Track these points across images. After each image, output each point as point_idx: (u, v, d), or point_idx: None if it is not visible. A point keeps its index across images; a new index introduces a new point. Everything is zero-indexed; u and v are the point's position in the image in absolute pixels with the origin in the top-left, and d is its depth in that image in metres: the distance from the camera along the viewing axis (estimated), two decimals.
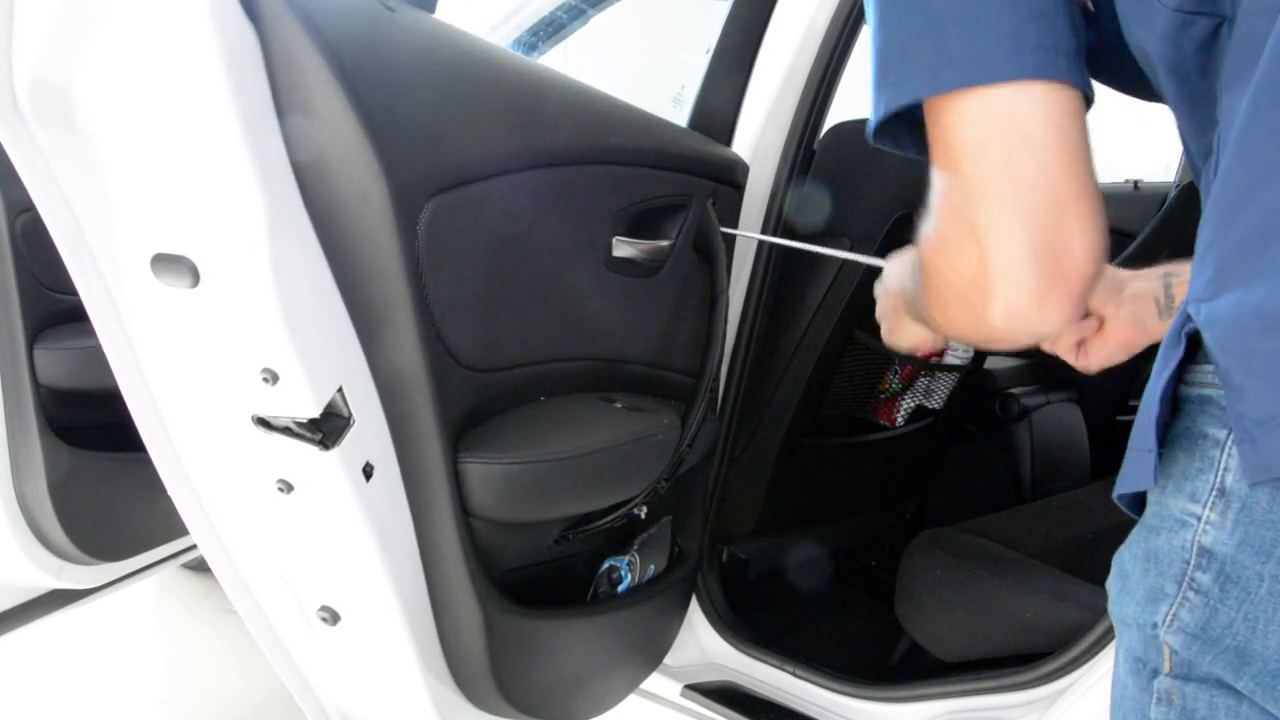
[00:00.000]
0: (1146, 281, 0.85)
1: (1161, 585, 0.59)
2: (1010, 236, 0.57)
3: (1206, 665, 0.57)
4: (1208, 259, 0.55)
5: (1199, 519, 0.56)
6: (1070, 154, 0.58)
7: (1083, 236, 0.58)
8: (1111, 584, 0.66)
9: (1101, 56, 0.70)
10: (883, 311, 0.97)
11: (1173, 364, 0.58)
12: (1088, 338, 0.87)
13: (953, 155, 0.60)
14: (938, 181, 0.62)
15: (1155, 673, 0.60)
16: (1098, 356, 0.87)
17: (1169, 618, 0.58)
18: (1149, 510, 0.62)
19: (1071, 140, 0.58)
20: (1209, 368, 0.57)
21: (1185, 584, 0.57)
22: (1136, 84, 0.69)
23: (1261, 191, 0.51)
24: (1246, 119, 0.52)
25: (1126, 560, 0.64)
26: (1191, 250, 0.88)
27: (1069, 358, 0.89)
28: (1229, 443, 0.55)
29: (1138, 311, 0.84)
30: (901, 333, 0.93)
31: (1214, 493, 0.56)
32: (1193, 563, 0.57)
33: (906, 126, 0.65)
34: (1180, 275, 0.83)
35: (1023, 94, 0.57)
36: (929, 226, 0.64)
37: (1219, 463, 0.55)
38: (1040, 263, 0.57)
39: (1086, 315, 0.87)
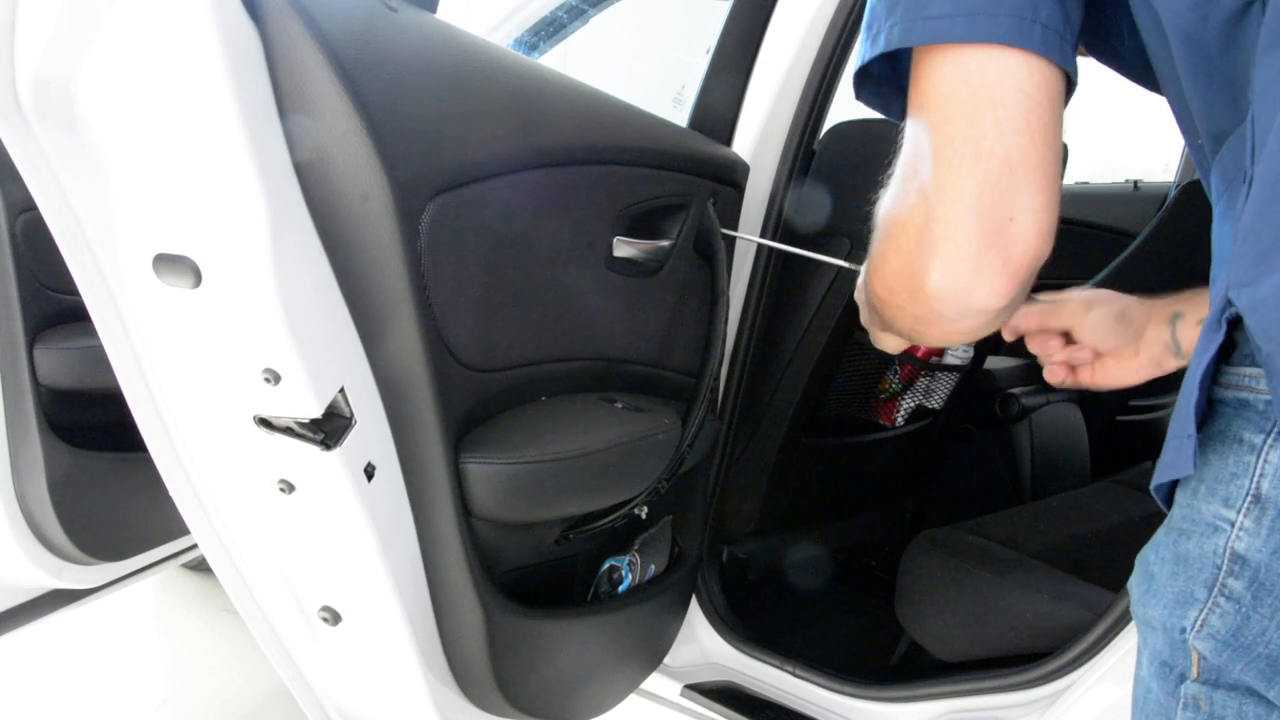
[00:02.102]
0: (1156, 327, 0.84)
1: (1191, 590, 0.58)
2: (958, 196, 0.58)
3: (1237, 673, 0.56)
4: (1249, 242, 0.53)
5: (1233, 524, 0.55)
6: (1035, 126, 0.58)
7: (1030, 211, 0.58)
8: (1135, 585, 0.65)
9: (1104, 38, 0.69)
10: (863, 319, 0.97)
11: (1212, 349, 0.56)
12: (1102, 361, 0.86)
13: (921, 111, 0.60)
14: (906, 138, 0.63)
15: (1182, 677, 0.60)
16: (1111, 379, 0.86)
17: (1199, 623, 0.57)
18: (1178, 512, 0.61)
19: (1039, 113, 0.58)
20: (1245, 370, 0.56)
21: (1216, 590, 0.56)
22: (1139, 69, 0.69)
23: None
24: None
25: (1152, 561, 0.63)
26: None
27: (1067, 377, 0.88)
28: (1266, 448, 0.54)
29: (1155, 356, 0.84)
30: (879, 339, 0.93)
31: (1249, 499, 0.55)
32: (1225, 568, 0.56)
33: (897, 90, 0.66)
34: (1186, 316, 0.82)
35: (997, 58, 0.57)
36: (889, 188, 0.65)
37: (1255, 468, 0.54)
38: (982, 225, 0.58)
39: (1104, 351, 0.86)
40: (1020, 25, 0.57)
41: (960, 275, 0.59)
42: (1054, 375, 0.88)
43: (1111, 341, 0.85)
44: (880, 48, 0.61)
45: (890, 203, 0.64)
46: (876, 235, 0.68)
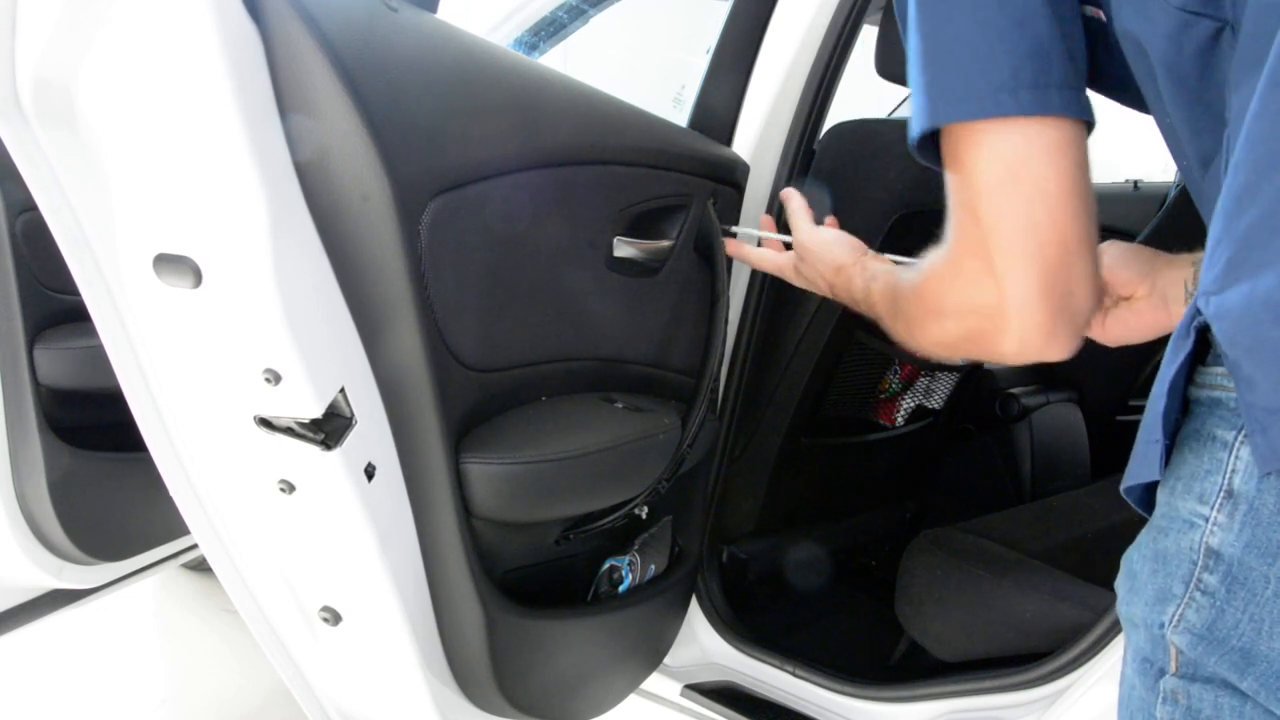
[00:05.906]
0: (1177, 268, 0.87)
1: (1169, 586, 0.59)
2: (1028, 280, 0.63)
3: (1212, 666, 0.57)
4: (1217, 253, 0.55)
5: (1207, 520, 0.57)
6: (1076, 200, 0.62)
7: (1086, 281, 0.64)
8: (1120, 584, 0.66)
9: (1112, 74, 0.71)
10: (810, 279, 1.08)
11: (1181, 356, 0.58)
12: (1112, 308, 0.90)
13: (971, 195, 0.64)
14: (955, 214, 0.67)
15: (1162, 672, 0.61)
16: (1119, 331, 0.90)
17: (1176, 618, 0.58)
18: (1158, 511, 0.62)
19: (1075, 183, 0.62)
20: (1219, 370, 0.57)
21: (1192, 585, 0.57)
22: (1139, 99, 0.70)
23: (1269, 177, 0.52)
24: (1255, 110, 0.52)
25: (1135, 561, 0.64)
26: (1190, 249, 0.88)
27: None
28: (1237, 444, 0.55)
29: (1166, 293, 0.87)
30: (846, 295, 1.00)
31: (1222, 494, 0.56)
32: (1200, 564, 0.57)
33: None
34: None
35: (1031, 131, 0.61)
36: (943, 255, 0.69)
37: (1227, 464, 0.56)
38: (1051, 303, 0.63)
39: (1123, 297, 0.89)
40: (1040, 95, 0.61)
41: (1034, 343, 0.66)
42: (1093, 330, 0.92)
43: (1129, 264, 0.89)
44: (917, 131, 0.65)
45: (953, 272, 0.68)
46: (923, 302, 0.73)
